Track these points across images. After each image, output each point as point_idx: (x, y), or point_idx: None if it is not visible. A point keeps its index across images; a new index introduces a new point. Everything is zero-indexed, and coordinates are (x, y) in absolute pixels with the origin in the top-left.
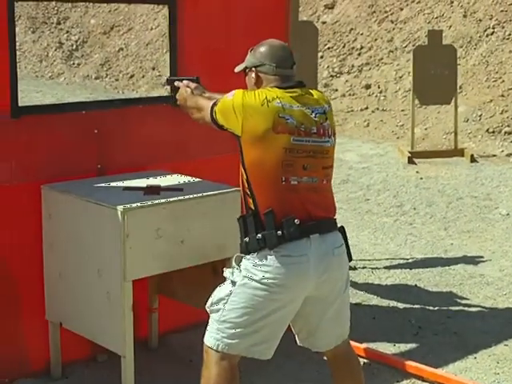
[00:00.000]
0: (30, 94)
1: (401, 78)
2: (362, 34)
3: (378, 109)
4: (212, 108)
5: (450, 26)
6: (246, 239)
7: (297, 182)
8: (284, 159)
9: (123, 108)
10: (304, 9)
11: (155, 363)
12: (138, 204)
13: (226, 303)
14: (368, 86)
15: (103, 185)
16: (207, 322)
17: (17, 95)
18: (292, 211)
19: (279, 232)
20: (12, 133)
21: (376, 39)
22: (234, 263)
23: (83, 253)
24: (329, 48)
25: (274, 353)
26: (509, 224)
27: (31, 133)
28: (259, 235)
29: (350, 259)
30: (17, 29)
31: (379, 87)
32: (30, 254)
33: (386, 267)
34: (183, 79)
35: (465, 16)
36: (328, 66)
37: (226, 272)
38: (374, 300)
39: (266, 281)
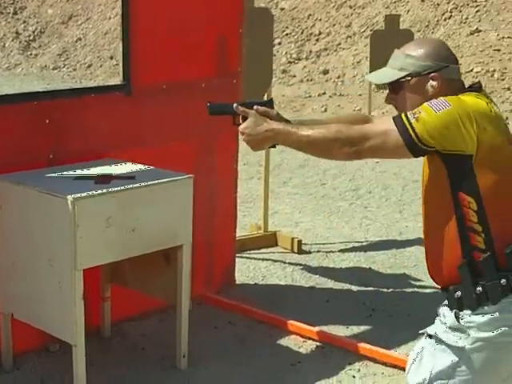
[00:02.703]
0: None
1: (358, 63)
2: (320, 20)
3: (335, 94)
4: (403, 128)
5: (408, 11)
6: (479, 289)
7: None
8: None
9: (75, 97)
10: None
11: (108, 352)
12: (89, 193)
13: (450, 378)
14: (326, 72)
15: (54, 175)
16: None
17: None
18: None
19: None
20: None
21: (334, 25)
22: (443, 325)
23: (34, 243)
24: (287, 34)
25: None
26: None
27: None
28: (503, 280)
29: None
30: None
31: (337, 72)
32: None
33: (340, 250)
34: (249, 104)
35: (423, 0)
36: (286, 53)
37: (447, 337)
38: (328, 283)
39: (507, 336)
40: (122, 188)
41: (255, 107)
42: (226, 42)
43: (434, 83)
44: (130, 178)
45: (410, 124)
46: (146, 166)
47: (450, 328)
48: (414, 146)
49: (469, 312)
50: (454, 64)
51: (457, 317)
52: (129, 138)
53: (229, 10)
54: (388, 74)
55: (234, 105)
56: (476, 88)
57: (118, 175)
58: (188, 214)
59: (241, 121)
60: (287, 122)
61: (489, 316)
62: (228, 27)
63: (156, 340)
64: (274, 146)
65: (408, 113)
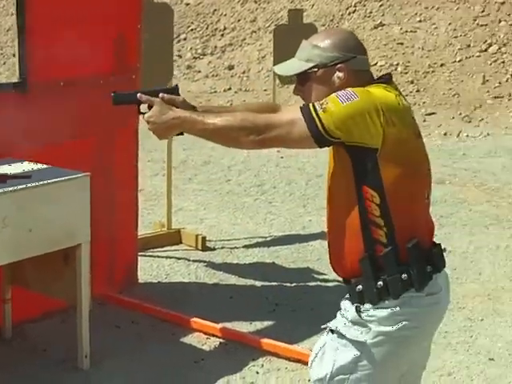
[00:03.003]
0: None
1: (263, 58)
2: (225, 15)
3: (241, 89)
4: (310, 119)
5: (313, 5)
6: (380, 283)
7: (429, 198)
8: (426, 168)
9: None
10: None
11: (8, 353)
12: None
13: (352, 372)
14: (231, 67)
15: None
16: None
17: None
18: (428, 238)
19: (429, 267)
20: None
21: (239, 20)
22: (344, 319)
23: None
24: (192, 30)
25: None
26: None
27: None
28: (404, 275)
29: None
30: None
31: (242, 68)
32: None
33: (244, 246)
34: (153, 91)
35: None
36: (191, 48)
37: (348, 331)
38: (232, 279)
39: (408, 331)
40: (18, 187)
41: (161, 95)
42: (124, 38)
43: (341, 74)
44: (26, 177)
45: (317, 115)
46: (43, 165)
47: (351, 322)
48: (320, 137)
49: (370, 306)
50: (362, 55)
51: (358, 311)
52: (25, 136)
53: (127, 6)
54: (294, 65)
55: (138, 94)
56: (386, 79)
57: (13, 175)
58: (86, 213)
59: (147, 109)
60: (194, 108)
61: (389, 310)
62: (126, 23)
63: (57, 341)
64: (181, 134)
65: (316, 103)
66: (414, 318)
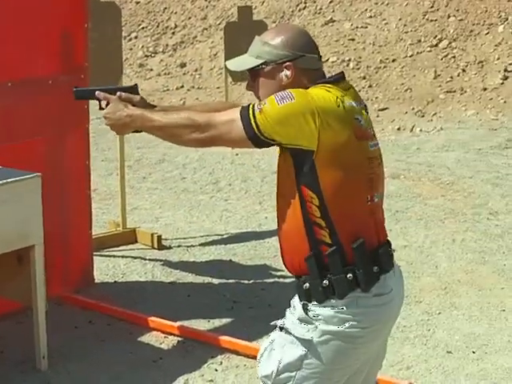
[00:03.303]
0: None
1: (215, 55)
2: (175, 13)
3: (193, 87)
4: (247, 120)
5: (263, 2)
6: (326, 282)
7: (376, 200)
8: (368, 172)
9: None
10: None
11: None
12: None
13: (299, 370)
14: (183, 65)
15: None
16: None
17: None
18: (374, 239)
19: (376, 267)
20: None
21: (190, 17)
22: (292, 316)
23: None
24: (143, 28)
25: None
26: None
27: None
28: (349, 274)
29: None
30: None
31: (194, 66)
32: None
33: (201, 244)
34: (112, 89)
35: None
36: (143, 46)
37: (295, 329)
38: (189, 277)
39: (355, 331)
40: None
41: (118, 93)
42: (70, 38)
43: (288, 73)
44: None
45: (254, 116)
46: None
47: (298, 320)
48: (256, 139)
49: (316, 304)
50: (312, 53)
51: (305, 309)
52: None
53: (72, 5)
54: (246, 61)
55: (97, 91)
56: (334, 79)
57: None
58: (38, 214)
59: (104, 106)
60: (153, 107)
61: (335, 310)
62: (72, 22)
63: (14, 342)
64: (139, 131)
65: (256, 103)
66: (360, 318)
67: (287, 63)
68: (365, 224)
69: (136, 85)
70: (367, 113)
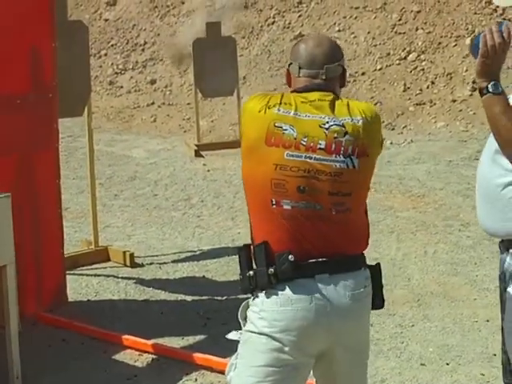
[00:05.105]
0: None
1: (185, 71)
2: (144, 30)
3: (164, 103)
4: None
5: (232, 17)
6: (240, 276)
7: (290, 207)
8: (273, 177)
9: None
10: (86, 7)
11: None
12: None
13: (235, 369)
14: (153, 82)
15: None
16: None
17: None
18: (288, 244)
19: (271, 270)
20: None
21: (159, 34)
22: (239, 319)
23: None
24: (112, 45)
25: None
26: None
27: None
28: (250, 272)
29: (381, 305)
30: None
31: (164, 82)
32: None
33: (173, 261)
34: None
35: (246, 7)
36: (112, 64)
37: (231, 335)
38: (162, 295)
39: (265, 330)
40: None
41: None
42: (39, 56)
43: (286, 74)
44: None
45: None
46: None
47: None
48: None
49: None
50: (296, 61)
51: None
52: None
53: (38, 24)
54: None
55: None
56: (303, 89)
57: None
58: (8, 234)
59: None
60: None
61: (249, 307)
62: (39, 41)
63: None
64: None
65: None
66: (266, 316)
67: (287, 67)
68: (273, 226)
69: None
70: (346, 131)
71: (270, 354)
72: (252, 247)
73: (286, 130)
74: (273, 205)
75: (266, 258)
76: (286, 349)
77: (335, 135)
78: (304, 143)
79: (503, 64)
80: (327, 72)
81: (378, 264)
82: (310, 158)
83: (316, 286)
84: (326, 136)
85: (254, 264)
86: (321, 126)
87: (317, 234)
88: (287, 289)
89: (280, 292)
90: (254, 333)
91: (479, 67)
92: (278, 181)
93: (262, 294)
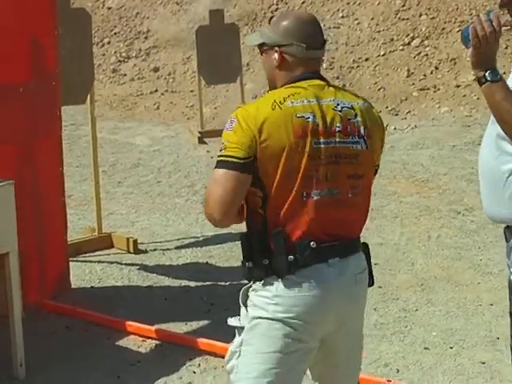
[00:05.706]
0: None
1: (188, 59)
2: (147, 18)
3: (167, 91)
4: (222, 163)
5: (235, 5)
6: (250, 264)
7: (319, 197)
8: (304, 170)
9: None
10: None
11: None
12: None
13: (239, 356)
14: (156, 69)
15: None
16: None
17: None
18: (309, 230)
19: (291, 257)
20: None
21: (162, 22)
22: (240, 304)
23: None
24: (115, 33)
25: None
26: None
27: None
28: (266, 260)
29: (372, 283)
30: None
31: (168, 69)
32: None
33: (177, 247)
34: None
35: None
36: (115, 52)
37: (231, 321)
38: (166, 281)
39: (280, 315)
40: None
41: None
42: (41, 45)
43: (276, 57)
44: None
45: (223, 155)
46: None
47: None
48: (241, 166)
49: (249, 289)
50: (300, 42)
51: (247, 294)
52: None
53: (40, 12)
54: (254, 38)
55: None
56: (300, 78)
57: None
58: (11, 221)
59: None
60: None
61: (257, 294)
62: (42, 29)
63: None
64: None
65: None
66: (280, 301)
67: (276, 48)
68: (294, 214)
69: None
70: (356, 113)
71: (283, 339)
72: (268, 234)
73: (308, 118)
74: (303, 197)
75: (285, 246)
76: (299, 334)
77: (348, 117)
78: (325, 128)
79: (497, 51)
80: (324, 50)
81: (366, 243)
82: (332, 142)
83: (330, 271)
84: (341, 118)
85: (267, 251)
86: (334, 109)
87: (335, 219)
88: (305, 274)
89: (297, 278)
90: (265, 318)
91: (473, 58)
92: (309, 173)
93: (276, 281)
